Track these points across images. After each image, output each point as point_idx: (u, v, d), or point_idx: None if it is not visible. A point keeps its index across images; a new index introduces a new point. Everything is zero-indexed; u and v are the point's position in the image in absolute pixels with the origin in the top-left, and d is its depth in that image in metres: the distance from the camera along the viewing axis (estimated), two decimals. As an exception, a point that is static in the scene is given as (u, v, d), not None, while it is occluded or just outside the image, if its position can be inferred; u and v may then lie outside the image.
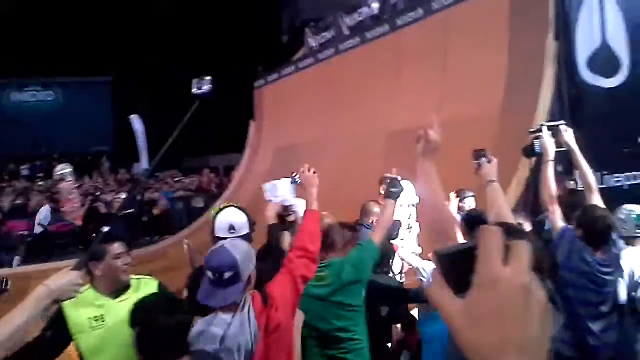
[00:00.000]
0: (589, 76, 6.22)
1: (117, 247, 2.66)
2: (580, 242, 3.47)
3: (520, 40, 6.44)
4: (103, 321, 2.60)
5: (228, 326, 2.22)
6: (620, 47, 6.39)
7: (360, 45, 9.58)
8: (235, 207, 3.22)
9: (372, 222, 4.38)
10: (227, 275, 2.22)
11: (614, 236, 3.54)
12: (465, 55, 7.20)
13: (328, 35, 11.16)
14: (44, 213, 10.04)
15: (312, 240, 2.73)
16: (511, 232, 1.72)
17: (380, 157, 8.05)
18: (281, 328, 2.33)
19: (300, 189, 3.38)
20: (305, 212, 2.93)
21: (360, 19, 10.10)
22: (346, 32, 10.48)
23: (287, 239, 3.66)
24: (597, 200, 3.70)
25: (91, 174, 17.52)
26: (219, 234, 3.03)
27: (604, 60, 6.29)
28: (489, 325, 0.61)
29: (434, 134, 2.28)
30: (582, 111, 6.09)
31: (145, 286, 2.78)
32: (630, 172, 6.18)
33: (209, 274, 2.25)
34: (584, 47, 6.21)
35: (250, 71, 13.50)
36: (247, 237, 2.97)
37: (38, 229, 9.92)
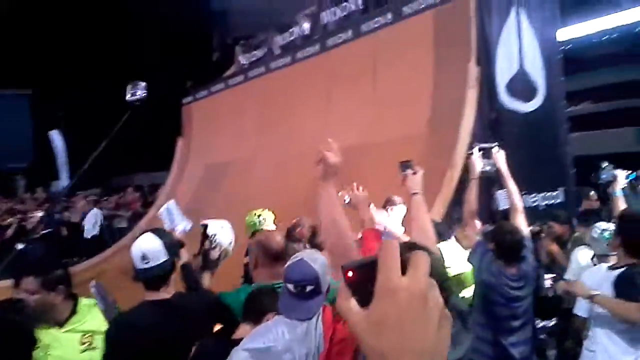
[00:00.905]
0: (507, 100, 6.55)
1: (29, 282, 2.55)
2: (492, 256, 3.61)
3: (444, 63, 6.69)
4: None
5: (297, 332, 2.20)
6: (537, 73, 6.78)
7: (291, 64, 9.64)
8: (152, 231, 2.81)
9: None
10: (309, 288, 2.23)
11: (525, 252, 3.69)
12: (393, 77, 7.41)
13: (259, 53, 11.17)
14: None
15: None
16: (414, 248, 1.78)
17: (312, 176, 8.07)
18: (345, 342, 2.28)
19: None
20: (364, 231, 2.87)
21: (291, 38, 10.20)
22: (277, 51, 10.54)
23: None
24: (520, 219, 3.86)
25: (6, 192, 16.49)
26: (135, 265, 2.71)
27: (521, 86, 6.64)
28: (389, 333, 0.64)
29: (333, 157, 2.35)
30: (501, 133, 6.39)
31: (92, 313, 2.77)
32: (547, 192, 6.53)
33: (290, 286, 2.23)
34: (504, 72, 6.54)
35: (178, 87, 13.25)
36: (164, 266, 2.67)
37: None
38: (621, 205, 4.04)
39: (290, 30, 10.17)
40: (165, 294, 2.66)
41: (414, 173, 2.75)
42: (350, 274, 0.71)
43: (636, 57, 23.34)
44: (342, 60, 8.39)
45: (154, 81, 11.33)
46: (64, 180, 16.36)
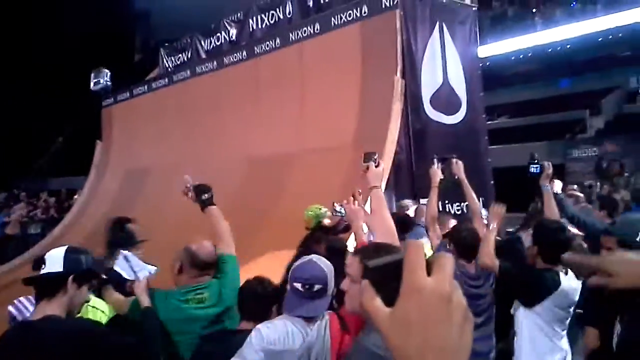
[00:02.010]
0: (432, 112, 6.72)
1: None
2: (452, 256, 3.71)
3: (370, 75, 6.77)
4: None
5: (306, 334, 2.21)
6: (459, 87, 7.01)
7: (217, 69, 9.45)
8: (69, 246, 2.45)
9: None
10: (317, 287, 2.25)
11: None
12: (321, 86, 7.42)
13: (184, 56, 10.89)
14: None
15: None
16: (381, 249, 1.83)
17: (238, 183, 7.95)
18: None
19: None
20: (358, 244, 2.81)
21: (218, 43, 10.01)
22: (202, 54, 10.31)
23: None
24: (480, 223, 4.02)
25: None
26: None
27: (445, 99, 6.84)
28: (414, 331, 0.66)
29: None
30: (425, 144, 6.55)
31: None
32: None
33: (298, 285, 2.25)
34: (428, 85, 6.71)
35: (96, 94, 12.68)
36: (57, 276, 2.30)
37: None
38: (551, 202, 4.11)
39: (217, 35, 9.98)
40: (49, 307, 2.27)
41: (377, 165, 2.71)
42: (374, 273, 0.74)
43: (548, 75, 24.85)
44: (269, 68, 8.31)
45: (72, 83, 10.86)
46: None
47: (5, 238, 10.88)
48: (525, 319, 3.35)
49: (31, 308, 2.76)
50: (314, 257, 2.41)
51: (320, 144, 7.02)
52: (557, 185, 4.46)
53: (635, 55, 23.23)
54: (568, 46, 23.41)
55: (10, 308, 2.86)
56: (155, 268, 3.04)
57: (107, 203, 10.50)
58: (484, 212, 4.54)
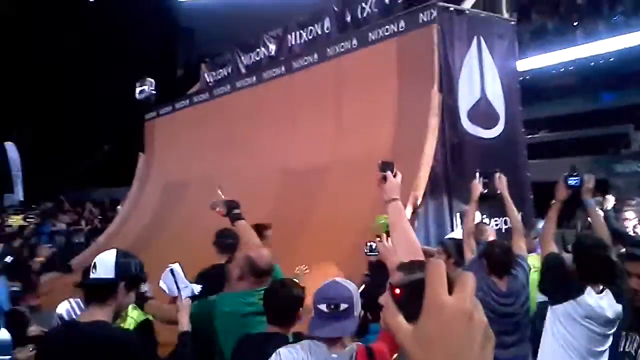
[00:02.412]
0: (469, 127, 6.70)
1: None
2: (483, 272, 3.70)
3: (407, 89, 6.80)
4: None
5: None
6: (497, 101, 6.97)
7: (256, 84, 9.64)
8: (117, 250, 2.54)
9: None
10: (343, 306, 2.19)
11: (516, 270, 3.77)
12: (357, 101, 7.48)
13: (224, 71, 11.14)
14: None
15: None
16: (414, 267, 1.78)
17: (274, 196, 8.07)
18: None
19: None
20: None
21: (257, 58, 10.22)
22: (242, 70, 10.53)
23: None
24: (520, 241, 3.99)
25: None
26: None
27: (482, 113, 6.81)
28: (435, 348, 0.67)
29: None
30: (462, 158, 6.53)
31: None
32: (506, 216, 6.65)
33: (323, 306, 2.19)
34: (465, 99, 6.70)
35: (141, 103, 13.08)
36: (109, 282, 2.37)
37: None
38: (598, 218, 4.00)
39: (256, 50, 10.19)
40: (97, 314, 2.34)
41: (394, 175, 2.53)
42: (397, 290, 0.76)
43: (591, 88, 24.30)
44: (307, 83, 8.43)
45: (116, 96, 11.22)
46: (18, 194, 15.85)
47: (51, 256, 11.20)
48: (551, 326, 3.31)
49: (79, 312, 2.90)
50: (338, 278, 2.36)
51: (356, 157, 7.06)
52: (610, 201, 4.37)
53: (682, 68, 22.51)
54: (611, 59, 22.86)
55: (61, 308, 3.00)
56: (200, 287, 3.00)
57: (147, 214, 10.77)
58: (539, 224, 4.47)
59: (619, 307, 3.19)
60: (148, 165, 12.21)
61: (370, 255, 3.76)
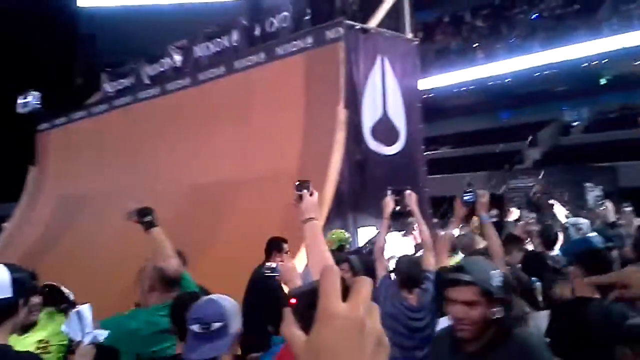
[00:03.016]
0: (372, 143, 6.83)
1: None
2: (395, 288, 3.72)
3: (314, 105, 6.83)
4: None
5: None
6: (399, 118, 7.16)
7: (160, 95, 9.32)
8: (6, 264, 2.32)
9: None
10: (215, 326, 2.10)
11: (426, 284, 3.78)
12: (265, 115, 7.42)
13: (126, 82, 10.67)
14: None
15: None
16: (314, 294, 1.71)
17: (178, 211, 7.78)
18: None
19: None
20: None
21: (162, 69, 9.87)
22: (146, 80, 10.14)
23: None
24: (430, 256, 4.02)
25: None
26: None
27: (384, 130, 6.97)
28: (324, 358, 0.65)
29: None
30: (365, 174, 6.63)
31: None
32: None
33: (195, 327, 2.09)
34: (369, 116, 6.83)
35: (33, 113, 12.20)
36: (8, 302, 2.17)
37: None
38: (492, 234, 4.11)
39: (161, 61, 9.86)
40: None
41: (311, 194, 2.45)
42: (293, 300, 0.73)
43: (489, 107, 25.80)
44: (213, 96, 8.27)
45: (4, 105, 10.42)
46: None
47: None
48: None
49: None
50: (215, 295, 2.27)
51: (264, 172, 6.99)
52: (514, 214, 4.55)
53: (570, 90, 24.49)
54: (508, 80, 24.41)
55: None
56: (106, 335, 2.85)
57: (40, 228, 10.10)
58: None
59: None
60: (41, 178, 11.42)
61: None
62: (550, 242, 5.17)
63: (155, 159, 8.81)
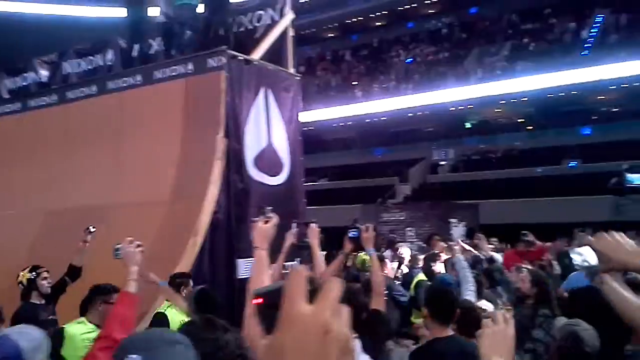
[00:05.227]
0: (255, 173, 6.75)
1: None
2: None
3: (193, 132, 6.62)
4: None
5: None
6: (283, 150, 7.19)
7: (21, 111, 8.54)
8: None
9: None
10: None
11: None
12: (140, 140, 7.06)
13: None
14: None
15: (124, 328, 2.26)
16: None
17: (36, 238, 7.12)
18: None
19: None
20: (120, 293, 2.49)
21: (24, 83, 9.07)
22: (5, 94, 9.25)
23: None
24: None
25: None
26: None
27: (268, 161, 6.94)
28: None
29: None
30: (247, 204, 6.52)
31: None
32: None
33: None
34: (252, 146, 6.75)
35: None
36: None
37: None
38: (374, 263, 4.15)
39: (24, 74, 9.07)
40: None
41: (266, 222, 2.40)
42: (257, 300, 0.71)
43: (365, 143, 26.96)
44: (83, 116, 7.72)
45: None
46: None
47: None
48: None
49: None
50: (13, 330, 2.14)
51: (136, 198, 6.62)
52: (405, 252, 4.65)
53: (438, 131, 26.34)
54: (383, 118, 25.75)
55: None
56: None
57: None
58: None
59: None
60: None
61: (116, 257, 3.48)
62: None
63: (12, 181, 8.00)
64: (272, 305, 0.68)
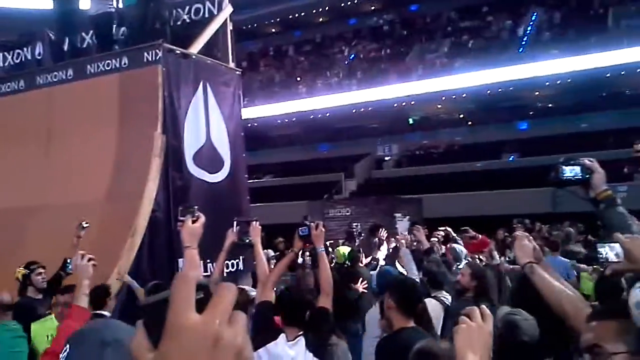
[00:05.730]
0: (195, 170, 6.58)
1: None
2: None
3: (129, 129, 6.40)
4: None
5: None
6: (223, 147, 7.04)
7: None
8: None
9: None
10: None
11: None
12: (71, 137, 6.76)
13: None
14: None
15: None
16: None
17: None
18: None
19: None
20: (72, 307, 2.46)
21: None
22: None
23: None
24: (267, 290, 3.87)
25: None
26: None
27: (208, 157, 6.78)
28: None
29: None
30: (187, 201, 6.34)
31: None
32: (228, 260, 6.67)
33: None
34: (191, 143, 6.58)
35: None
36: None
37: None
38: (322, 262, 4.11)
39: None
40: None
41: (195, 221, 2.39)
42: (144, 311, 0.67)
43: (310, 139, 26.96)
44: (9, 112, 7.31)
45: None
46: None
47: None
48: None
49: None
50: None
51: (68, 198, 6.32)
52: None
53: (381, 126, 26.64)
54: (327, 114, 25.80)
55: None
56: None
57: None
58: None
59: (309, 356, 3.28)
60: None
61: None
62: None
63: None
64: (157, 316, 0.63)
